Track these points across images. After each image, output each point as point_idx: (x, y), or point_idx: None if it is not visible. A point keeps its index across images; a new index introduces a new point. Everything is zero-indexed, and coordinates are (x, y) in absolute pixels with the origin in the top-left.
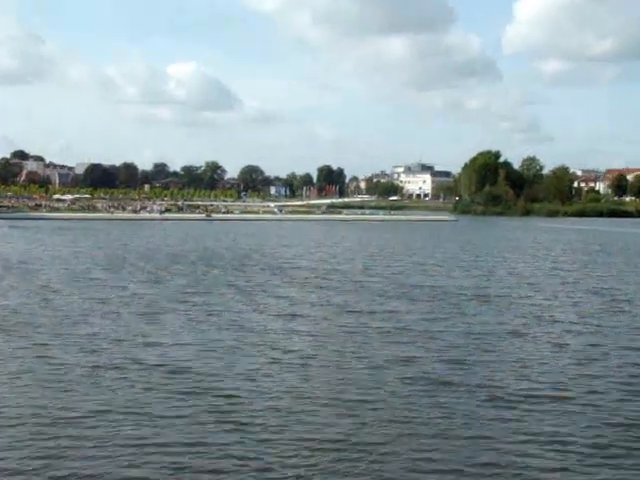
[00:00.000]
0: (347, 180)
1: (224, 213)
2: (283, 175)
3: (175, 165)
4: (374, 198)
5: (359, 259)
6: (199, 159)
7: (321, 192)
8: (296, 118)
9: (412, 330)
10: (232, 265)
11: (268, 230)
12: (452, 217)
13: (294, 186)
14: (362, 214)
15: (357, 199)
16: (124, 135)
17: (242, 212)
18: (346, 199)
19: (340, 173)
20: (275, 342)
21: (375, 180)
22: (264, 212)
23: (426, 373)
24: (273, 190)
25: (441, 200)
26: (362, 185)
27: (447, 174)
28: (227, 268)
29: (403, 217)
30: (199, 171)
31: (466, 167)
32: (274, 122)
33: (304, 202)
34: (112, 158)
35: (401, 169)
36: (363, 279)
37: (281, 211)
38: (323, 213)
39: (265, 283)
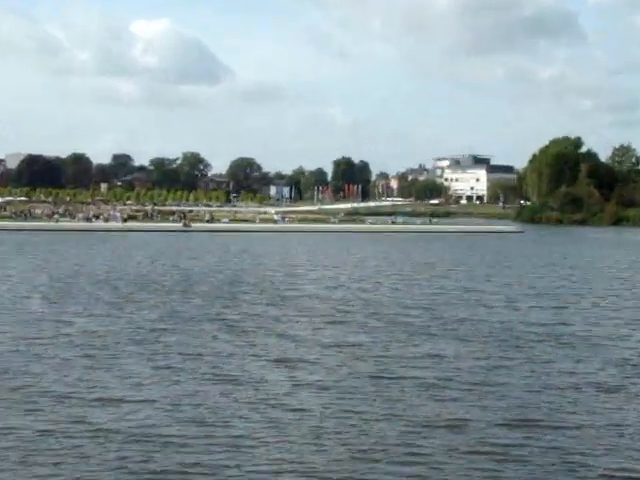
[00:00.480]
0: (373, 178)
1: (208, 222)
2: (287, 171)
3: (142, 158)
4: (409, 201)
5: (389, 284)
6: (174, 149)
7: (338, 194)
8: (304, 95)
9: (462, 382)
10: (217, 292)
11: (267, 245)
12: (516, 227)
13: (302, 186)
14: (393, 223)
15: (386, 203)
16: (72, 117)
17: (232, 220)
18: (372, 203)
19: (363, 168)
20: (275, 399)
21: (411, 178)
22: (261, 220)
23: (482, 442)
24: (273, 191)
25: (500, 204)
26: (393, 184)
27: (508, 169)
28: (211, 296)
29: (449, 227)
30: (174, 165)
31: (534, 160)
32: (274, 100)
33: (315, 207)
34: (56, 148)
35: (445, 163)
36: (395, 311)
37: (284, 219)
38: (341, 222)
39: (261, 316)
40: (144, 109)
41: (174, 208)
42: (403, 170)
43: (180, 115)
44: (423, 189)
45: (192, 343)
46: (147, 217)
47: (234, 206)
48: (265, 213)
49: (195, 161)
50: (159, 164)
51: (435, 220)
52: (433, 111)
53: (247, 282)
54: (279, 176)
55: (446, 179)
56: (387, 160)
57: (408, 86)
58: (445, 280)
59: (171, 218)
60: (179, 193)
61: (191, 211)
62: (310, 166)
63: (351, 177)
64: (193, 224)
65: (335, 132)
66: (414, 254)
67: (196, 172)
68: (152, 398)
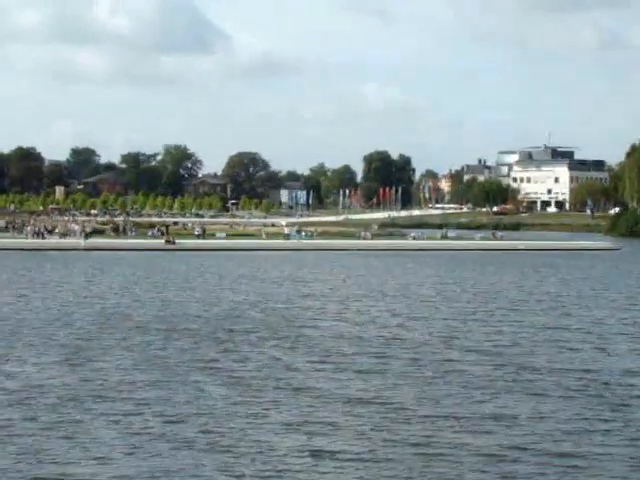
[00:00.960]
0: (416, 178)
1: (198, 237)
2: (303, 170)
3: (110, 153)
4: (466, 209)
5: (438, 319)
6: (154, 142)
7: (370, 200)
8: (326, 69)
9: (539, 453)
10: (211, 332)
11: (277, 268)
12: (609, 243)
13: (322, 189)
14: (444, 238)
15: (435, 211)
16: (16, 98)
17: (230, 235)
18: (415, 211)
19: (404, 166)
20: (288, 476)
21: (467, 178)
22: (269, 235)
23: None
24: (285, 196)
25: (588, 212)
26: (444, 186)
27: (598, 165)
28: (202, 337)
29: (519, 244)
30: (154, 163)
31: (634, 153)
32: (286, 76)
33: (340, 217)
34: None
35: (514, 158)
36: (446, 356)
37: (299, 233)
38: (374, 236)
39: (270, 364)
40: (113, 88)
41: (154, 219)
42: (457, 168)
43: (161, 96)
44: (484, 193)
45: (176, 399)
46: (118, 232)
47: (233, 216)
48: (274, 225)
49: (182, 157)
50: (133, 161)
51: (500, 234)
52: (497, 89)
53: (250, 317)
54: (293, 177)
55: (515, 179)
56: (436, 155)
57: (464, 57)
58: (514, 314)
59: (150, 233)
60: (160, 199)
61: (176, 223)
62: (334, 163)
63: (388, 177)
64: (179, 240)
65: (367, 118)
66: (472, 279)
67: (183, 171)
68: (121, 474)
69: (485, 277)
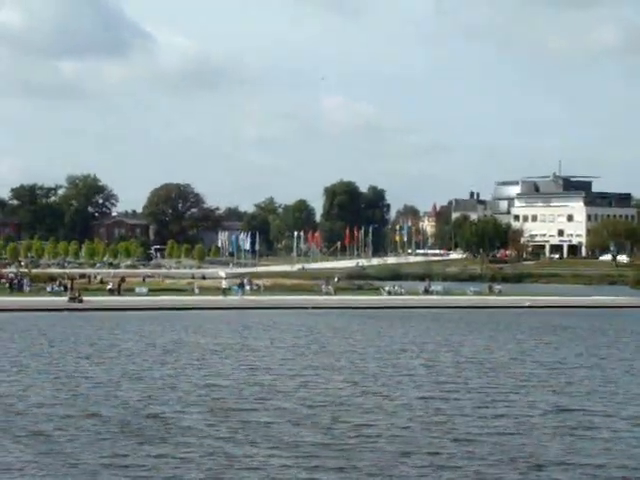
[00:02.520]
0: (392, 216)
1: (112, 292)
2: (246, 206)
3: None
4: (455, 255)
5: (419, 399)
6: (54, 171)
7: (333, 243)
8: (271, 77)
9: None
10: (130, 424)
11: (215, 333)
12: (638, 298)
13: (271, 230)
14: (427, 293)
15: (415, 259)
16: None
17: (153, 290)
18: (390, 259)
19: (375, 200)
20: None
21: (456, 215)
22: (203, 290)
23: None
24: (224, 239)
25: (610, 258)
26: (426, 226)
27: (623, 200)
28: (117, 431)
29: (524, 299)
30: (53, 198)
31: None
32: (225, 85)
33: (295, 267)
34: None
35: (516, 189)
36: (434, 445)
37: (242, 287)
38: (339, 291)
39: (212, 458)
40: (0, 101)
41: (55, 271)
42: (443, 203)
43: (64, 112)
44: (478, 235)
45: None
46: (8, 287)
47: (157, 266)
48: (204, 278)
49: (90, 190)
50: (28, 196)
51: (499, 288)
52: (492, 103)
53: (183, 400)
54: (233, 215)
55: (517, 217)
56: (415, 187)
57: (450, 61)
58: (523, 396)
59: (49, 288)
60: (63, 245)
61: (84, 275)
62: (285, 198)
63: (355, 215)
64: (87, 297)
65: (328, 140)
66: (464, 346)
67: (92, 209)
68: None
69: (478, 342)
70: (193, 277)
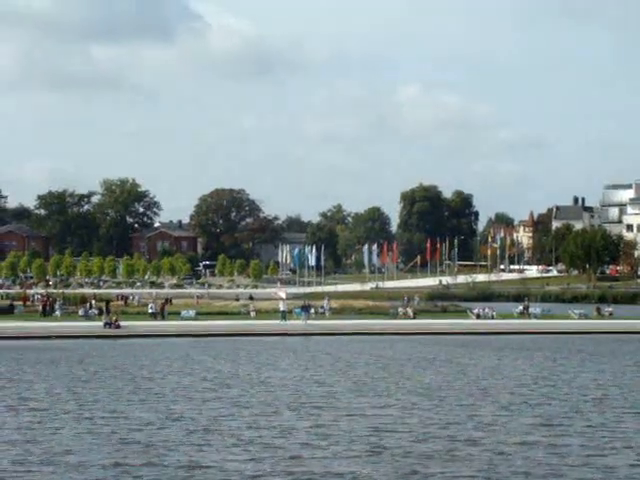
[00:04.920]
0: (481, 226)
1: (154, 316)
2: (310, 215)
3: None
4: (557, 272)
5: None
6: (87, 175)
7: (413, 258)
8: (333, 63)
9: None
10: None
11: (279, 363)
12: None
13: (340, 243)
14: (525, 315)
15: (510, 276)
16: None
17: (202, 314)
18: (480, 276)
19: (462, 208)
20: None
21: (558, 224)
22: (260, 313)
23: None
24: (284, 254)
25: None
26: (522, 238)
27: None
28: None
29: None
30: (87, 206)
31: None
32: (283, 72)
33: (368, 285)
34: None
35: (628, 194)
36: None
37: (307, 311)
38: (419, 314)
39: None
40: (19, 92)
41: (88, 291)
42: (542, 211)
43: (98, 105)
44: (583, 248)
45: None
46: (41, 310)
47: (205, 284)
48: (251, 299)
49: (129, 197)
50: (57, 204)
51: (609, 310)
52: (603, 92)
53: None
54: (295, 226)
55: (629, 227)
56: (509, 192)
57: (551, 42)
58: None
59: (82, 311)
60: (97, 261)
61: (121, 297)
62: (356, 205)
63: (438, 226)
64: (125, 322)
65: (405, 136)
66: (578, 382)
67: (132, 219)
68: None
69: (590, 376)
70: (237, 299)
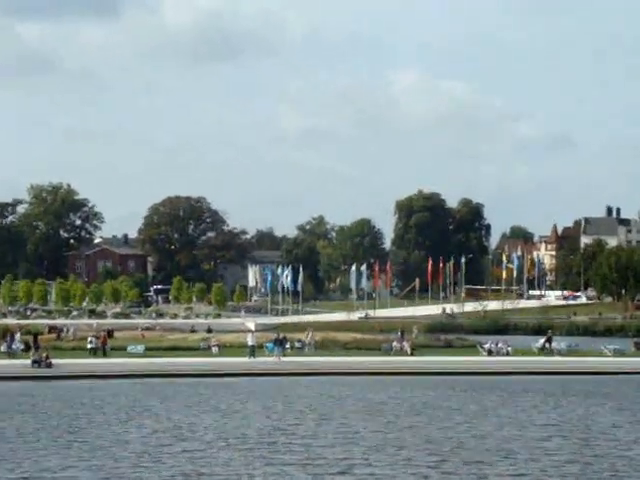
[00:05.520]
0: (493, 242)
1: (93, 352)
2: (285, 228)
3: None
4: (586, 299)
5: None
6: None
7: (410, 281)
8: (313, 44)
9: None
10: None
11: (245, 409)
12: None
13: (322, 263)
14: (545, 351)
15: (529, 303)
16: None
17: (152, 349)
18: (493, 303)
19: (471, 220)
20: None
21: (587, 241)
22: (223, 348)
23: None
24: (254, 276)
25: None
26: (544, 256)
27: None
28: None
29: None
30: (10, 217)
31: None
32: (249, 51)
33: (356, 314)
34: None
35: None
36: None
37: (281, 345)
38: (418, 349)
39: None
40: None
41: (11, 321)
42: (567, 224)
43: (27, 94)
44: (619, 269)
45: None
46: None
47: (158, 313)
48: (210, 331)
49: (63, 205)
50: None
51: None
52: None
53: None
54: (267, 241)
55: None
56: (527, 201)
57: (578, 24)
58: None
59: (4, 346)
60: (24, 285)
61: (54, 328)
62: (341, 216)
63: (441, 241)
64: (57, 360)
65: (401, 130)
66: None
67: (66, 233)
68: None
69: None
70: (193, 330)
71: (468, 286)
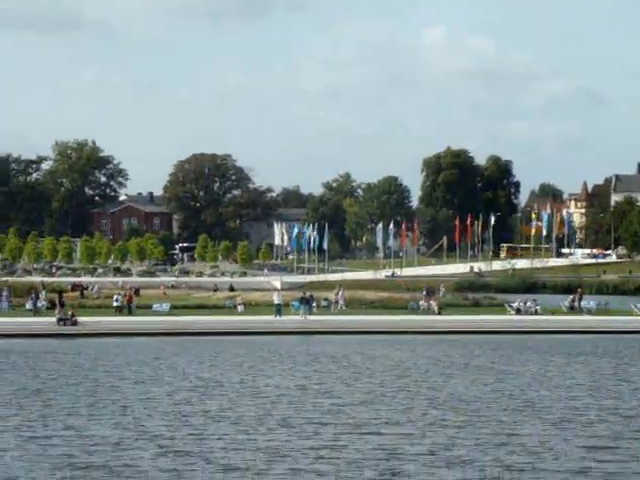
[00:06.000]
0: (523, 200)
1: (119, 310)
2: (311, 186)
3: None
4: (616, 257)
5: None
6: (36, 136)
7: (437, 239)
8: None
9: None
10: None
11: (274, 369)
12: None
13: (348, 221)
14: (574, 310)
15: (557, 261)
16: None
17: (178, 308)
18: (522, 262)
19: (500, 177)
20: None
21: (618, 198)
22: (249, 306)
23: None
24: (279, 234)
25: None
26: (574, 212)
27: None
28: None
29: None
30: (35, 175)
31: None
32: (273, 10)
33: (383, 273)
34: None
35: None
36: None
37: (308, 304)
38: (445, 308)
39: None
40: None
41: (36, 279)
42: (598, 182)
43: (45, 48)
44: None
45: None
46: None
47: (181, 271)
48: (232, 289)
49: (88, 163)
50: None
51: None
52: None
53: None
54: (293, 199)
55: None
56: (557, 157)
57: None
58: None
59: (29, 303)
60: (49, 242)
61: (78, 286)
62: (368, 174)
63: (469, 199)
64: (83, 318)
65: (428, 87)
66: None
67: (91, 191)
68: None
69: None
70: (216, 288)
71: (508, 244)
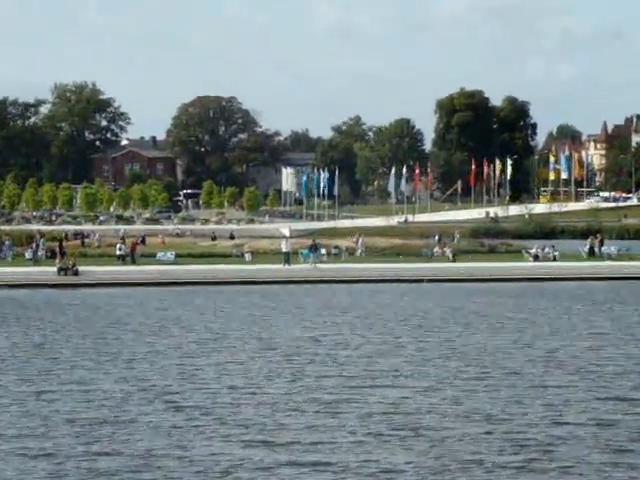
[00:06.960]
0: (540, 142)
1: (122, 259)
2: (320, 129)
3: None
4: (638, 199)
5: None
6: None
7: (451, 184)
8: None
9: None
10: None
11: (282, 322)
12: None
13: (359, 165)
14: (593, 256)
15: (577, 205)
16: None
17: (183, 256)
18: (540, 206)
19: (516, 118)
20: None
21: (639, 139)
22: (257, 254)
23: None
24: (288, 179)
25: None
26: (593, 154)
27: None
28: None
29: None
30: (34, 118)
31: None
32: None
33: (395, 219)
34: None
35: None
36: None
37: (317, 251)
38: (460, 255)
39: None
40: None
41: (35, 227)
42: (618, 122)
43: None
44: None
45: None
46: None
47: (187, 218)
48: (232, 237)
49: (88, 106)
50: None
51: None
52: None
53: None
54: (302, 143)
55: None
56: (575, 97)
57: None
58: None
59: (29, 252)
60: (49, 188)
61: (79, 234)
62: (379, 117)
63: (484, 141)
64: (84, 267)
65: (442, 26)
66: None
67: (92, 135)
68: None
69: None
70: (214, 237)
71: (513, 189)
